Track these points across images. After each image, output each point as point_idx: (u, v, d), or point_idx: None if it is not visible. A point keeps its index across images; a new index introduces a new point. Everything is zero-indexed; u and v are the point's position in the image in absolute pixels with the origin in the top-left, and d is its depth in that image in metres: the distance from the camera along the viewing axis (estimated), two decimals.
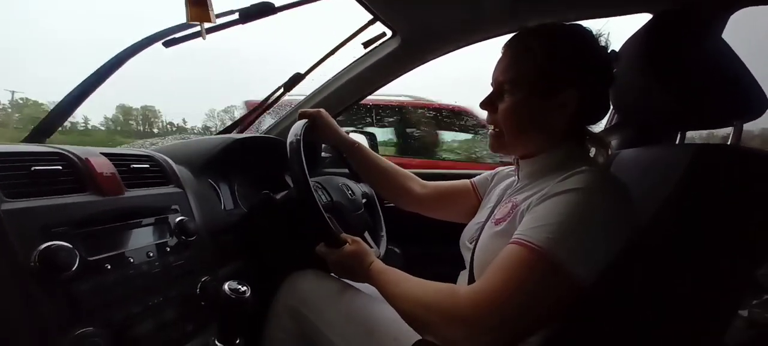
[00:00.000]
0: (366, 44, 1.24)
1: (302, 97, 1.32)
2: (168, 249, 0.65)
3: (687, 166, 0.50)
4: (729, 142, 0.60)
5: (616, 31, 0.67)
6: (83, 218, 0.54)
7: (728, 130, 0.61)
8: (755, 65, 0.55)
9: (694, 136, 0.71)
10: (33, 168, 0.52)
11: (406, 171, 0.98)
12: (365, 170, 0.97)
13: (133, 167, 0.67)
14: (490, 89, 0.68)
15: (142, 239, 0.62)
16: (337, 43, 1.16)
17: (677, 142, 0.74)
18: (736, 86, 0.56)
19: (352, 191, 1.02)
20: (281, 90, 1.18)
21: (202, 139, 0.99)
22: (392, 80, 1.28)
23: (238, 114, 1.35)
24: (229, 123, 1.28)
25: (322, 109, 0.93)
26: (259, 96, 1.27)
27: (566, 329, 0.53)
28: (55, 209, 0.52)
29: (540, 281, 0.50)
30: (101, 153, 0.64)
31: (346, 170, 1.13)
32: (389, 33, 1.19)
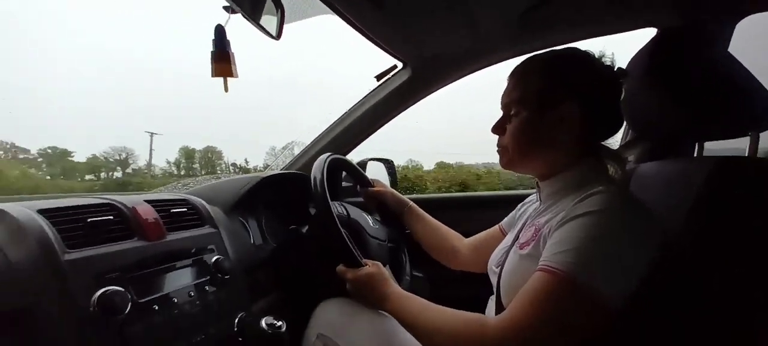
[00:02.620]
0: (378, 77, 1.30)
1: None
2: (207, 288, 0.68)
3: (709, 179, 0.51)
4: (747, 153, 0.61)
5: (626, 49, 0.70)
6: (133, 263, 0.59)
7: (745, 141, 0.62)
8: (762, 74, 0.57)
9: (712, 147, 0.72)
10: (89, 219, 0.57)
11: (453, 231, 1.03)
12: (417, 229, 1.03)
13: (173, 212, 0.72)
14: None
15: (183, 279, 0.66)
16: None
17: (696, 153, 0.74)
18: (748, 96, 0.57)
19: (378, 224, 1.05)
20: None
21: (231, 179, 1.05)
22: (404, 110, 1.33)
23: (297, 150, 1.42)
24: (287, 161, 1.36)
25: (380, 186, 1.08)
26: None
27: None
28: (108, 256, 0.56)
29: (565, 306, 0.50)
30: (145, 200, 0.69)
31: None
32: (400, 65, 1.25)
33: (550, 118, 0.64)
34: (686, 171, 0.61)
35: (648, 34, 0.95)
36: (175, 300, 0.62)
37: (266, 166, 1.69)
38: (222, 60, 0.68)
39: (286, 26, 0.86)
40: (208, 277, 0.70)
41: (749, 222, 0.49)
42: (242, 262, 0.81)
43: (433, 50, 1.16)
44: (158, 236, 0.64)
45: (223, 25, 0.66)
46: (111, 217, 0.61)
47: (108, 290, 0.53)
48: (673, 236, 0.54)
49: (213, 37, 0.66)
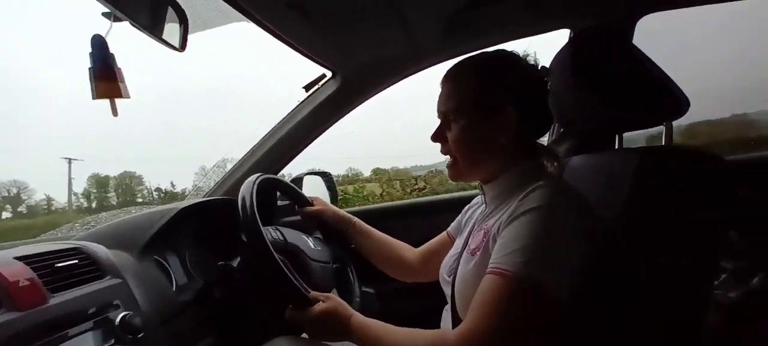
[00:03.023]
0: (307, 87, 1.23)
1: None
2: None
3: (633, 169, 0.54)
4: (663, 142, 0.66)
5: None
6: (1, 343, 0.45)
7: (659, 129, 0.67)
8: (666, 68, 0.62)
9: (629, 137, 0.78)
10: None
11: (401, 243, 0.99)
12: (364, 245, 0.97)
13: (58, 266, 0.58)
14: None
15: None
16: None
17: (616, 145, 0.80)
18: (658, 88, 0.62)
19: (321, 244, 0.97)
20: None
21: (142, 213, 0.90)
22: (336, 121, 1.27)
23: (229, 167, 1.26)
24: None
25: (320, 205, 1.00)
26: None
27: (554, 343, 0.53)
28: None
29: (520, 306, 0.50)
30: (15, 257, 0.54)
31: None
32: (329, 74, 1.19)
33: (490, 123, 0.64)
34: (610, 163, 0.64)
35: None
36: None
37: (197, 189, 1.50)
38: (106, 78, 0.55)
39: (196, 35, 0.76)
40: (114, 340, 0.57)
41: (670, 208, 0.53)
42: (161, 312, 0.69)
43: (362, 58, 1.13)
44: (35, 303, 0.51)
45: (102, 35, 0.54)
46: None
47: None
48: (604, 227, 0.56)
49: (90, 51, 0.53)
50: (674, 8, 0.83)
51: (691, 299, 0.52)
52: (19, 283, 0.50)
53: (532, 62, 0.69)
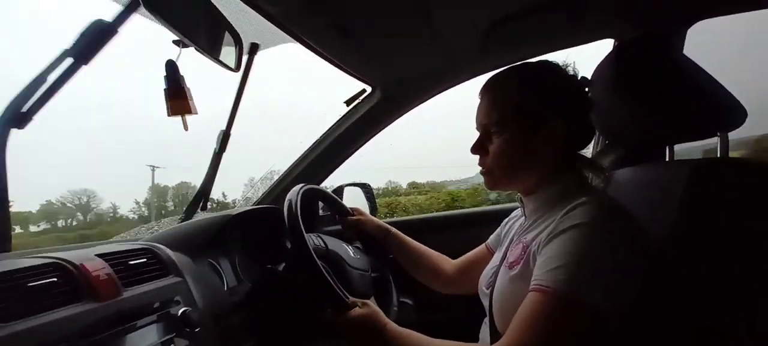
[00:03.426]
0: (348, 102, 1.28)
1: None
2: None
3: (686, 183, 0.51)
4: (718, 154, 0.62)
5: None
6: (81, 329, 0.51)
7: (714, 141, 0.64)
8: (719, 76, 0.59)
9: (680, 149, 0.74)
10: (29, 284, 0.50)
11: (439, 254, 0.99)
12: (402, 255, 0.99)
13: (131, 264, 0.65)
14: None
15: (145, 339, 0.58)
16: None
17: (667, 157, 0.76)
18: (712, 98, 0.59)
19: (360, 253, 1.00)
20: None
21: (198, 220, 0.98)
22: (376, 134, 1.31)
23: (276, 179, 1.35)
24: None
25: (360, 215, 1.03)
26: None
27: None
28: (51, 325, 0.49)
29: (564, 324, 0.49)
30: (96, 255, 0.62)
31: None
32: (369, 89, 1.24)
33: (535, 135, 0.63)
34: (661, 176, 0.61)
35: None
36: None
37: (246, 199, 1.60)
38: (177, 97, 0.63)
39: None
40: (175, 333, 0.63)
41: (727, 223, 0.50)
42: (214, 309, 0.74)
43: (401, 73, 1.16)
44: (112, 295, 0.57)
45: (174, 60, 0.61)
46: (55, 279, 0.53)
47: None
48: (653, 242, 0.54)
49: (164, 74, 0.61)
50: (727, 14, 0.78)
51: (741, 314, 0.48)
52: (100, 276, 0.58)
53: (572, 73, 0.68)
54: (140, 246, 0.72)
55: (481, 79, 0.72)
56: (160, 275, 0.69)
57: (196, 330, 0.65)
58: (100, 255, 0.62)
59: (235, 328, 0.80)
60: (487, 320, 0.71)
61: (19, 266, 0.53)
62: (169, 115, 0.63)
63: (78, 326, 0.51)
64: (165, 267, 0.71)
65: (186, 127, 0.65)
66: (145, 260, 0.68)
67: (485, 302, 0.70)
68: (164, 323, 0.63)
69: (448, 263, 0.97)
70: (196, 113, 0.64)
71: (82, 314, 0.53)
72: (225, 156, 1.06)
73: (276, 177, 1.36)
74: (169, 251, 0.74)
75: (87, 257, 0.60)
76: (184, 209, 1.09)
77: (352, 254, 0.94)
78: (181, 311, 0.65)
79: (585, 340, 0.50)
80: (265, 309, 0.87)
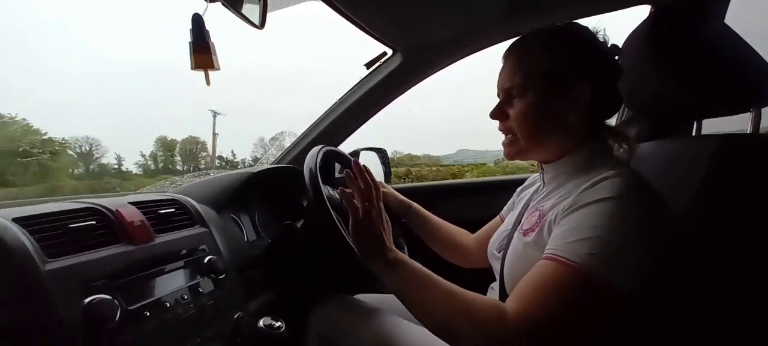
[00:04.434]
0: (368, 65, 1.27)
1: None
2: (200, 290, 0.66)
3: (713, 158, 0.50)
4: (749, 130, 0.60)
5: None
6: (120, 268, 0.56)
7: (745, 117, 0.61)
8: (762, 48, 0.56)
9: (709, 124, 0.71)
10: (69, 225, 0.54)
11: (458, 228, 0.99)
12: (423, 230, 0.99)
13: (160, 213, 0.69)
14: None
15: (175, 282, 0.63)
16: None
17: (694, 132, 0.73)
18: (748, 71, 0.56)
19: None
20: None
21: (220, 175, 1.02)
22: (396, 97, 1.30)
23: (287, 141, 1.37)
24: (277, 153, 1.32)
25: (382, 187, 1.00)
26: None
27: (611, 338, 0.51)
28: (93, 263, 0.53)
29: (584, 300, 0.47)
30: (129, 203, 0.66)
31: None
32: (390, 52, 1.22)
33: (561, 98, 0.60)
34: (688, 150, 0.59)
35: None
36: (168, 305, 0.59)
37: (255, 159, 1.64)
38: (202, 51, 0.64)
39: (271, 14, 0.82)
40: (201, 278, 0.68)
41: (752, 201, 0.48)
42: (236, 260, 0.79)
43: (423, 36, 1.13)
44: (145, 240, 0.62)
45: (200, 14, 0.62)
46: (93, 222, 0.58)
47: (95, 298, 0.50)
48: (679, 216, 0.52)
49: (190, 27, 0.61)
50: None
51: (757, 295, 0.48)
52: (134, 223, 0.62)
53: (602, 39, 0.65)
54: (168, 197, 0.76)
55: (504, 46, 0.69)
56: (188, 225, 0.73)
57: (221, 278, 0.70)
58: (132, 202, 0.66)
59: (255, 279, 0.85)
60: (495, 284, 0.72)
61: (60, 208, 0.57)
62: (192, 68, 0.63)
63: (117, 265, 0.55)
64: (192, 217, 0.75)
65: (208, 82, 0.66)
66: (173, 209, 0.72)
67: (495, 265, 0.70)
68: (191, 270, 0.67)
69: (467, 237, 0.97)
70: (219, 69, 0.64)
71: (121, 255, 0.57)
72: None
73: (287, 139, 1.38)
74: (195, 203, 0.78)
75: (121, 203, 0.64)
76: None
77: None
78: (207, 258, 0.69)
79: (604, 317, 0.48)
80: (282, 264, 0.91)
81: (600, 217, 0.50)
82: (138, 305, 0.55)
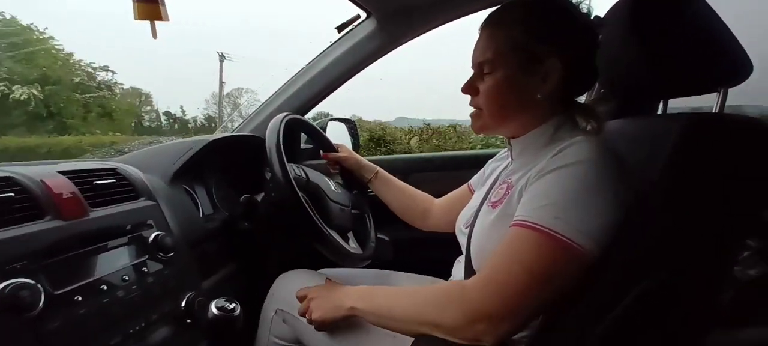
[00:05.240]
0: (340, 28, 1.19)
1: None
2: (145, 269, 0.60)
3: (677, 137, 0.49)
4: (715, 110, 0.60)
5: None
6: (44, 247, 0.49)
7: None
8: (740, 25, 0.54)
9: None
10: None
11: (422, 193, 0.99)
12: (385, 194, 0.98)
13: (97, 184, 0.62)
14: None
15: (115, 262, 0.57)
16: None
17: (659, 111, 0.73)
18: (718, 50, 0.55)
19: (341, 188, 0.98)
20: None
21: (171, 143, 0.93)
22: (370, 64, 1.23)
23: (245, 99, 1.26)
24: (233, 112, 1.23)
25: (344, 152, 1.01)
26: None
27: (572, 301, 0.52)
28: (10, 242, 0.46)
29: (552, 263, 0.49)
30: (59, 172, 0.58)
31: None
32: (364, 15, 1.14)
33: (532, 77, 0.59)
34: (650, 128, 0.59)
35: None
36: (104, 287, 0.53)
37: (207, 117, 1.53)
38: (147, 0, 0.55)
39: None
40: (147, 257, 0.62)
41: (717, 178, 0.48)
42: (188, 236, 0.73)
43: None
44: (77, 214, 0.55)
45: None
46: (12, 194, 0.50)
47: (12, 282, 0.44)
48: (638, 195, 0.52)
49: None
50: None
51: (714, 272, 0.49)
52: (63, 195, 0.54)
53: (585, 10, 0.62)
54: (107, 166, 0.68)
55: (485, 14, 0.65)
56: (130, 198, 0.66)
57: (170, 255, 0.64)
58: (63, 172, 0.58)
59: (211, 254, 0.80)
60: (461, 258, 0.71)
61: None
62: (135, 18, 0.55)
63: (40, 243, 0.49)
64: (135, 189, 0.68)
65: (155, 35, 0.58)
66: (113, 180, 0.65)
67: (462, 241, 0.70)
68: (136, 247, 0.61)
69: (430, 202, 0.98)
70: (168, 20, 0.56)
71: (46, 232, 0.50)
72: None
73: (244, 96, 1.29)
74: (140, 173, 0.71)
75: (49, 173, 0.57)
76: None
77: (333, 188, 0.93)
78: (153, 235, 0.63)
79: (566, 281, 0.50)
80: (241, 238, 0.86)
81: (568, 180, 0.50)
82: (67, 289, 0.49)
